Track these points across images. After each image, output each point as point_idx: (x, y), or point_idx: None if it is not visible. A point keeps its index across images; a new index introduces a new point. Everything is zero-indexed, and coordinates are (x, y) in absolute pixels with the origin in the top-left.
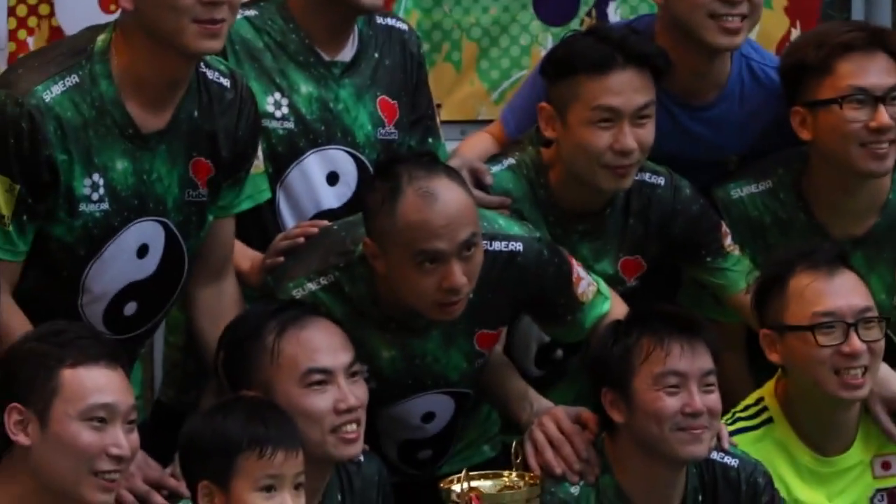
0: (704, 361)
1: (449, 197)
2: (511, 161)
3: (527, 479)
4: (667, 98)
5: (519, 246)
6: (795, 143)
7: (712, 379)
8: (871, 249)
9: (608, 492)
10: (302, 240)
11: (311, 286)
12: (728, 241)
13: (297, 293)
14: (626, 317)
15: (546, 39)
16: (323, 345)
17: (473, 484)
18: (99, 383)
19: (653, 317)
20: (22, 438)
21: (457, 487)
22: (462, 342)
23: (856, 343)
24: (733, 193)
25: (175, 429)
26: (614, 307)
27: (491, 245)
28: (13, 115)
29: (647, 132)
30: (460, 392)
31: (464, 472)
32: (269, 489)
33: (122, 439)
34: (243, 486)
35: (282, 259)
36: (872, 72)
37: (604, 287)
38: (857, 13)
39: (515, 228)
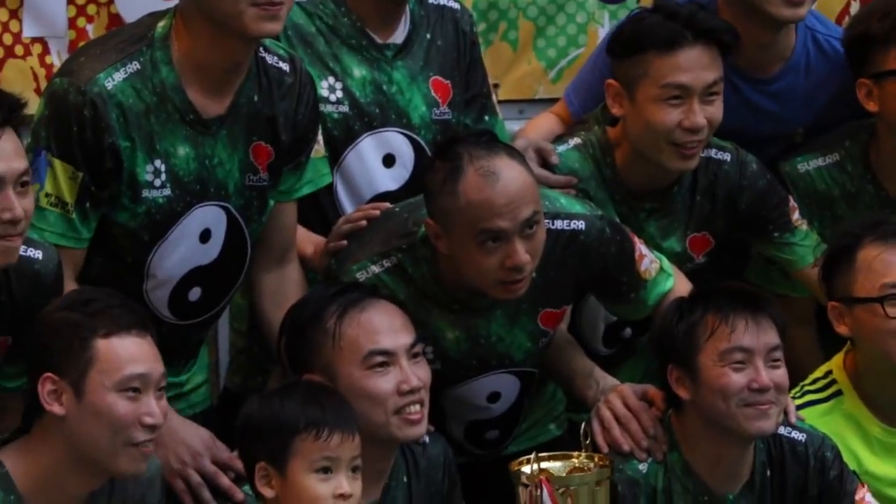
0: (770, 337)
1: (510, 176)
2: (577, 140)
3: (596, 460)
4: (731, 72)
5: (581, 224)
6: (862, 115)
7: (778, 354)
8: None
9: (676, 468)
10: (364, 223)
11: (375, 269)
12: (796, 215)
13: (361, 276)
14: (690, 294)
15: (603, 17)
16: (384, 326)
17: (543, 465)
18: (132, 353)
19: (717, 293)
20: (56, 408)
21: (526, 469)
22: (526, 321)
23: None
24: (800, 167)
25: None
26: (678, 284)
27: (553, 224)
28: (76, 103)
29: (717, 109)
30: (525, 371)
31: (533, 454)
32: (325, 471)
33: (155, 408)
34: (300, 467)
35: (345, 242)
36: None
37: (667, 264)
38: None
39: (577, 207)
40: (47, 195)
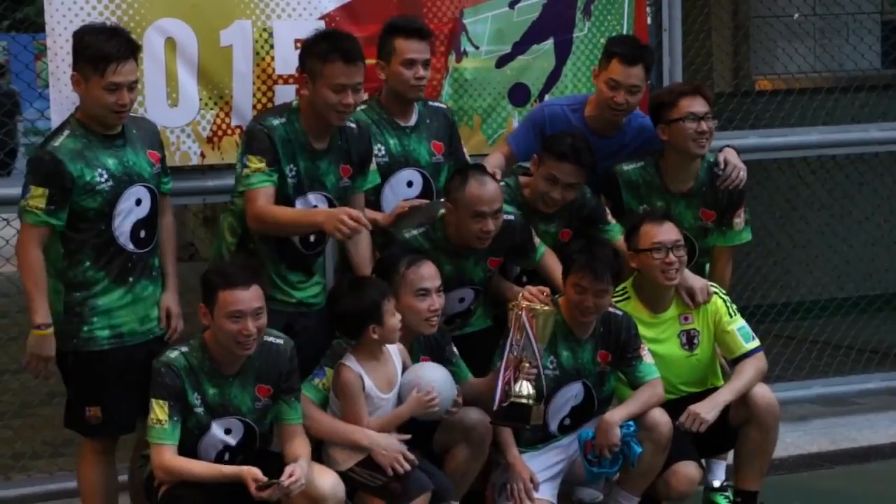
0: (600, 285)
1: (492, 187)
2: (503, 182)
3: (551, 307)
4: (593, 135)
5: (512, 217)
6: (656, 144)
7: (604, 293)
8: (694, 199)
9: (560, 317)
10: (407, 208)
11: (415, 232)
12: (609, 216)
13: (407, 234)
14: (566, 254)
15: (514, 114)
16: (427, 275)
17: (525, 304)
18: (239, 298)
19: (582, 255)
20: (205, 321)
21: (516, 303)
22: (482, 263)
23: (672, 257)
24: (625, 167)
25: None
26: (547, 251)
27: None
28: None
29: (573, 192)
30: (477, 288)
31: (521, 295)
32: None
33: (251, 327)
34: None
35: (404, 207)
36: (696, 104)
37: (542, 245)
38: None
39: (510, 209)
40: None
